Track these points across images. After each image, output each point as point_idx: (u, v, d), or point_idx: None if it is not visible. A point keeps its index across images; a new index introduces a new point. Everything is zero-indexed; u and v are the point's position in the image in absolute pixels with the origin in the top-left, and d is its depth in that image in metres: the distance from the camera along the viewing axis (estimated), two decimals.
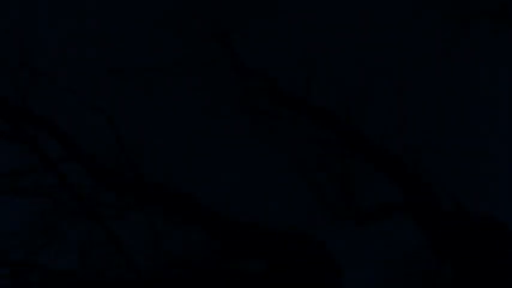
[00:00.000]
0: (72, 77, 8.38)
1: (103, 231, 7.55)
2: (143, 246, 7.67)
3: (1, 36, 7.97)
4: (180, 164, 8.35)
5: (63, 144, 7.60)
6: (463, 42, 8.84)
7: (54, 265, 7.44)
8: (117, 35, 8.59)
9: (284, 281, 6.10)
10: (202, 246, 7.63)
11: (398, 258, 8.69)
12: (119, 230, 7.69)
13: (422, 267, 8.66)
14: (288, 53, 8.77)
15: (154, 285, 7.08)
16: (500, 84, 8.92)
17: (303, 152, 8.84)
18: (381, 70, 8.76)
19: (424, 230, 8.24)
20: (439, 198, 8.36)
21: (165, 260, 7.50)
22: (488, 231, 7.99)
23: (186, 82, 8.68)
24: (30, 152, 7.70)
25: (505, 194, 8.50)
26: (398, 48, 8.79)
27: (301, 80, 8.68)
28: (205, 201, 7.70)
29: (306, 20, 8.80)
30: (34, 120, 7.67)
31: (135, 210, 7.85)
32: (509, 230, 8.08)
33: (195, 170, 8.37)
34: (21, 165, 7.78)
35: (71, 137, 7.72)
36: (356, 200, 8.91)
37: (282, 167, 8.75)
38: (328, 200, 8.87)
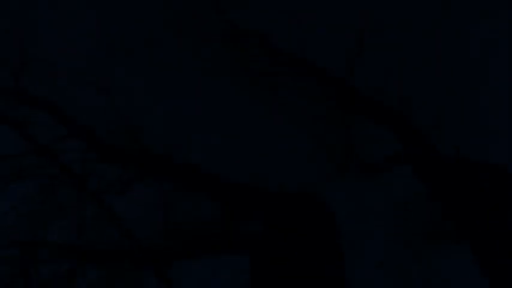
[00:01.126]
0: (69, 55, 8.48)
1: (104, 207, 7.74)
2: (147, 218, 7.85)
3: None
4: (180, 131, 8.46)
5: (63, 122, 7.72)
6: None
7: (62, 240, 7.67)
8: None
9: (283, 241, 6.24)
10: (206, 213, 7.77)
11: (400, 208, 8.78)
12: (121, 204, 7.88)
13: (424, 217, 8.75)
14: (283, 13, 8.75)
15: (157, 254, 7.27)
16: (498, 29, 8.83)
17: (303, 109, 8.89)
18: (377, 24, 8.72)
19: (425, 181, 8.29)
20: (439, 148, 8.39)
21: (169, 230, 7.68)
22: (488, 178, 8.02)
23: (184, 48, 8.72)
24: (27, 133, 7.87)
25: (504, 141, 8.50)
26: (395, 3, 8.72)
27: (297, 39, 8.68)
28: (206, 166, 7.81)
29: None
30: (30, 99, 7.80)
31: (138, 184, 8.00)
32: (510, 175, 8.10)
33: (196, 136, 8.48)
34: (17, 147, 7.96)
35: (70, 116, 7.84)
36: (356, 153, 8.98)
37: (283, 126, 8.82)
38: (329, 154, 8.95)
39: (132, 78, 8.55)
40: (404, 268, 8.80)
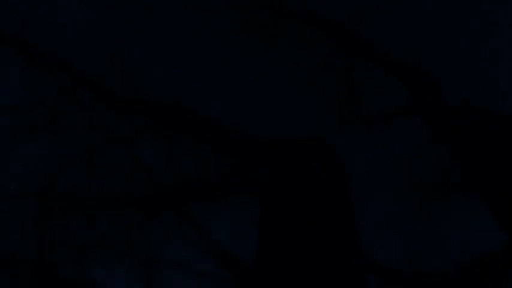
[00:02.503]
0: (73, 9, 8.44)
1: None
2: (155, 168, 7.90)
3: None
4: (185, 84, 8.47)
5: (70, 73, 7.71)
6: None
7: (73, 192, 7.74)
8: None
9: (292, 186, 6.23)
10: (216, 162, 7.82)
11: (410, 159, 8.81)
12: (134, 153, 7.91)
13: (433, 167, 8.79)
14: None
15: (167, 200, 7.32)
16: None
17: (309, 62, 8.86)
18: None
19: (434, 132, 8.28)
20: (447, 99, 8.37)
21: (179, 178, 7.74)
22: (497, 128, 7.99)
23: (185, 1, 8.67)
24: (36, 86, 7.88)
25: (510, 88, 8.49)
26: None
27: None
28: (212, 118, 7.82)
29: None
30: (38, 52, 7.78)
31: (147, 135, 8.02)
32: None
33: (200, 89, 8.50)
34: (26, 100, 7.98)
35: (77, 68, 7.83)
36: (364, 104, 8.97)
37: (288, 77, 8.81)
38: (337, 106, 8.95)
39: (136, 31, 8.52)
40: (413, 218, 8.88)
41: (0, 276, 7.01)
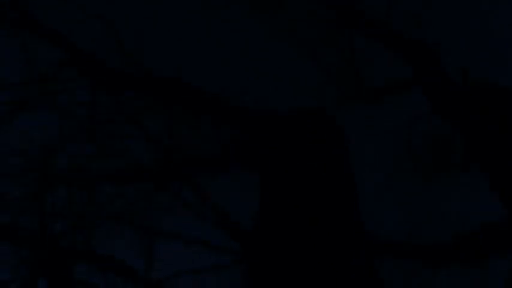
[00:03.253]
0: None
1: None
2: (157, 142, 7.93)
3: None
4: (185, 59, 8.46)
5: (65, 48, 7.69)
6: None
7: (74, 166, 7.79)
8: None
9: (293, 158, 6.25)
10: (214, 137, 7.85)
11: (408, 126, 8.81)
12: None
13: (434, 140, 8.79)
14: None
15: (169, 173, 7.35)
16: None
17: (308, 34, 8.84)
18: None
19: (434, 104, 8.28)
20: (447, 71, 8.36)
21: (179, 153, 7.78)
22: (498, 101, 7.98)
23: None
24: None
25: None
26: None
27: None
28: (212, 92, 7.83)
29: None
30: (30, 24, 7.75)
31: (148, 111, 8.04)
32: None
33: (199, 63, 8.48)
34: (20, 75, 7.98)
35: (71, 42, 7.81)
36: (364, 76, 8.96)
37: (287, 49, 8.79)
38: (337, 79, 8.94)
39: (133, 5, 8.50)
40: (413, 190, 8.90)
41: (1, 245, 7.07)
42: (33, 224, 7.24)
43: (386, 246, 8.80)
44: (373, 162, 9.07)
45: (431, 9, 8.68)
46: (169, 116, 8.11)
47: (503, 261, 8.24)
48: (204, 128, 8.15)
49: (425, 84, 8.44)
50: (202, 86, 7.86)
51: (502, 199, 7.41)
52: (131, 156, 7.75)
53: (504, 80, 8.26)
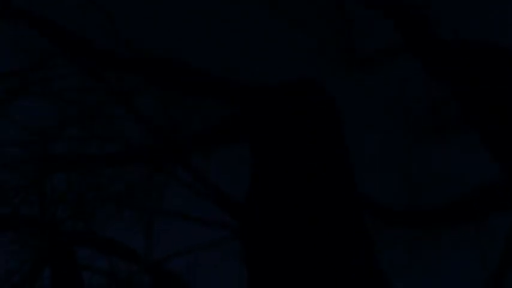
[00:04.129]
0: None
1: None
2: (152, 124, 7.95)
3: None
4: (175, 37, 8.45)
5: (53, 35, 7.68)
6: None
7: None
8: None
9: (284, 129, 6.24)
10: (208, 115, 7.87)
11: (401, 92, 8.81)
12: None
13: (426, 97, 8.78)
14: None
15: (166, 153, 7.38)
16: None
17: (300, 5, 8.81)
18: None
19: (426, 67, 8.25)
20: (438, 33, 8.32)
21: (175, 132, 7.81)
22: (491, 60, 7.94)
23: None
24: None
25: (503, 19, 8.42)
26: None
27: None
28: (203, 69, 7.82)
29: None
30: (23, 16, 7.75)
31: (141, 92, 8.05)
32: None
33: (189, 37, 8.48)
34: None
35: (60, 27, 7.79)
36: (355, 44, 8.94)
37: (278, 20, 8.76)
38: (328, 47, 8.93)
39: None
40: (409, 155, 8.93)
41: (2, 234, 7.17)
42: (34, 212, 7.31)
43: (386, 215, 8.87)
44: (369, 129, 9.09)
45: None
46: (161, 97, 8.13)
47: (503, 219, 8.31)
48: (199, 107, 8.17)
49: (416, 46, 8.41)
50: (192, 62, 7.86)
51: (495, 159, 7.43)
52: (124, 138, 7.79)
53: (496, 40, 8.23)
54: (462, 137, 8.67)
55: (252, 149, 6.22)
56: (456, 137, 8.76)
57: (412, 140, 9.12)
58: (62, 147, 7.88)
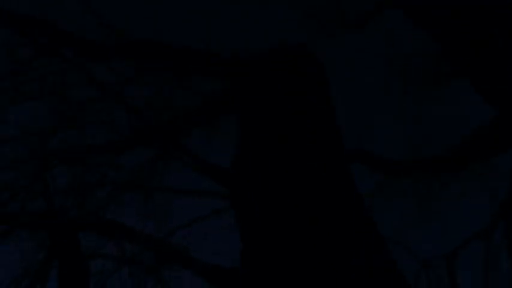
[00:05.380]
0: None
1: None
2: (146, 107, 8.05)
3: None
4: (159, 18, 8.50)
5: (45, 31, 7.76)
6: None
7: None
8: None
9: (273, 97, 6.28)
10: (200, 93, 7.92)
11: (393, 48, 8.80)
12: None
13: (419, 57, 8.76)
14: None
15: (162, 134, 7.46)
16: None
17: None
18: None
19: (416, 22, 8.21)
20: None
21: (168, 114, 7.90)
22: (481, 11, 7.84)
23: None
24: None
25: None
26: None
27: None
28: (192, 46, 7.86)
29: None
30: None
31: (132, 78, 8.12)
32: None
33: (175, 19, 8.51)
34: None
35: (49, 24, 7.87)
36: (343, 6, 8.92)
37: None
38: (316, 11, 8.92)
39: None
40: (405, 106, 8.95)
41: (10, 230, 7.35)
42: (39, 205, 7.47)
43: (388, 167, 8.91)
44: (365, 85, 9.12)
45: None
46: (154, 81, 8.20)
47: (507, 156, 8.33)
48: (191, 85, 8.22)
49: (405, 5, 8.37)
50: (182, 40, 7.90)
51: (487, 101, 7.44)
52: (123, 126, 7.90)
53: None
54: (456, 82, 8.66)
55: (240, 117, 6.28)
56: (450, 86, 8.76)
57: (409, 90, 9.13)
58: (60, 142, 8.02)
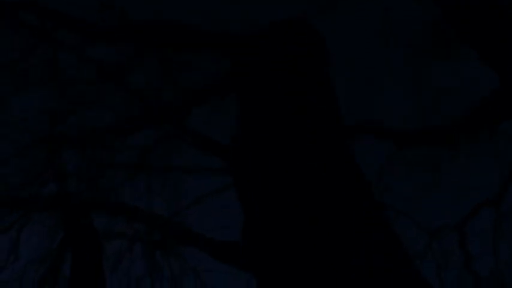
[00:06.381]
0: None
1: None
2: (150, 89, 8.10)
3: None
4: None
5: (45, 16, 7.81)
6: None
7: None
8: None
9: (273, 72, 6.28)
10: (204, 72, 7.94)
11: (396, 18, 8.69)
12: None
13: (423, 27, 8.67)
14: None
15: (168, 115, 7.53)
16: None
17: None
18: None
19: None
20: None
21: (172, 95, 7.95)
22: None
23: None
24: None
25: None
26: None
27: None
28: (194, 26, 7.86)
29: None
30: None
31: (137, 60, 8.16)
32: None
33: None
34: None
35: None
36: None
37: None
38: None
39: None
40: (411, 77, 8.90)
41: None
42: (50, 189, 7.61)
43: (398, 138, 8.91)
44: (372, 56, 9.06)
45: None
46: (158, 62, 8.22)
47: None
48: (194, 65, 8.24)
49: None
50: (178, 19, 7.89)
51: (494, 69, 7.36)
52: (129, 109, 7.97)
53: None
54: (461, 53, 8.57)
55: (240, 93, 6.29)
56: (455, 55, 8.67)
57: (416, 61, 9.06)
58: (69, 126, 8.11)
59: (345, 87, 7.92)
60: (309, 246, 4.77)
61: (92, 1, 8.20)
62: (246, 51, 6.98)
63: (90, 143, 7.86)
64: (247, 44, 7.06)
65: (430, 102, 9.14)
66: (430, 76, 9.05)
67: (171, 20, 7.89)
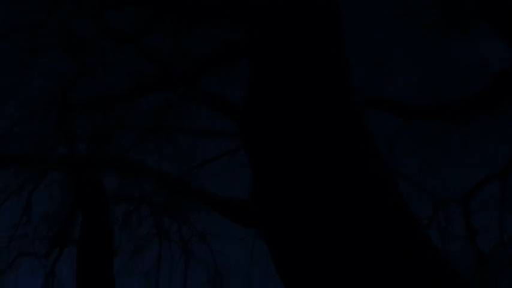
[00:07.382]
0: None
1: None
2: (164, 54, 8.13)
3: None
4: None
5: None
6: None
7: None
8: None
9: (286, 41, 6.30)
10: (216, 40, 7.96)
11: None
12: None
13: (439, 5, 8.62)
14: None
15: (180, 79, 7.54)
16: None
17: None
18: None
19: None
20: None
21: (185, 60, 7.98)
22: None
23: None
24: None
25: None
26: None
27: None
28: None
29: None
30: None
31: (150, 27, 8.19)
32: None
33: None
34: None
35: None
36: None
37: None
38: None
39: None
40: (423, 49, 8.88)
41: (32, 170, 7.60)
42: (60, 149, 7.68)
43: (408, 112, 8.92)
44: (380, 31, 9.04)
45: None
46: (171, 29, 8.23)
47: None
48: (207, 33, 8.24)
49: None
50: None
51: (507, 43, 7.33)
52: (143, 71, 8.00)
53: None
54: (476, 30, 8.53)
55: (252, 58, 6.31)
56: (470, 31, 8.63)
57: (427, 35, 9.03)
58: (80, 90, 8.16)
59: (357, 63, 7.89)
60: (317, 207, 4.85)
61: None
62: (257, 16, 6.97)
63: (102, 106, 7.92)
64: (263, 12, 7.06)
65: (442, 78, 9.14)
66: (444, 51, 9.04)
67: None
